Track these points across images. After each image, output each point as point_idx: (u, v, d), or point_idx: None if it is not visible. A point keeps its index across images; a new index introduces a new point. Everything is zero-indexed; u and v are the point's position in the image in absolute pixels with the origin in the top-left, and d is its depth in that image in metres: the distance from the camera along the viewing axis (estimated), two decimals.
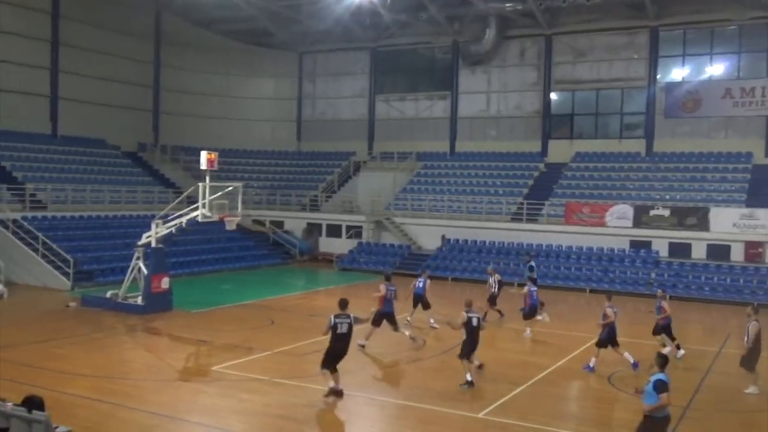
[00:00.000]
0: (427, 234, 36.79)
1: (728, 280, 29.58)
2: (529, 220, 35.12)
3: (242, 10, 40.58)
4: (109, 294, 23.28)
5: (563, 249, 33.57)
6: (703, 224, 31.42)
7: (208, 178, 21.93)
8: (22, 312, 22.81)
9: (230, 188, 22.97)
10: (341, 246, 38.49)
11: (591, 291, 30.55)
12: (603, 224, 33.28)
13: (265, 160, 46.27)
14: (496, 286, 22.82)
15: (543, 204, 35.52)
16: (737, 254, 30.91)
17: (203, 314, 22.61)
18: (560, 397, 15.23)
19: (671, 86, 37.50)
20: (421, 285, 21.80)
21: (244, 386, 14.70)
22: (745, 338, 15.13)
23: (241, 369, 15.99)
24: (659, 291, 19.38)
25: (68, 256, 27.38)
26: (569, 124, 40.83)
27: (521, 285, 24.65)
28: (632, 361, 16.56)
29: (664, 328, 18.40)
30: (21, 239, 28.06)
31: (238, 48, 46.24)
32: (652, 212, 32.62)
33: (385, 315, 18.36)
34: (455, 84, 42.75)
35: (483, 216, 36.31)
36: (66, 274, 27.09)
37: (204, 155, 21.69)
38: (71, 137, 38.83)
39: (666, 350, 16.56)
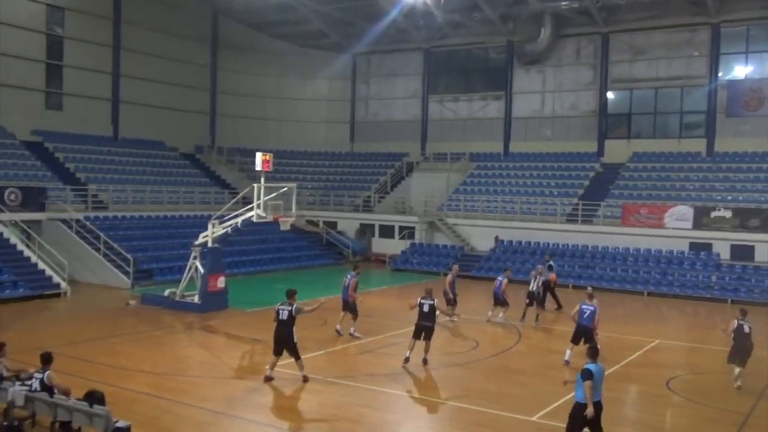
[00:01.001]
0: (480, 235, 36.53)
1: None
2: (584, 222, 34.54)
3: (297, 12, 41.05)
4: (167, 292, 23.81)
5: (620, 251, 32.92)
6: (766, 226, 30.41)
7: (262, 179, 22.22)
8: (84, 309, 23.52)
9: (284, 189, 23.20)
10: (394, 247, 38.54)
11: (649, 294, 29.88)
12: (662, 226, 32.51)
13: (319, 161, 46.65)
14: (536, 286, 22.86)
15: (599, 205, 34.90)
16: None
17: (258, 313, 22.88)
18: (617, 401, 14.89)
19: (733, 84, 36.39)
20: (498, 284, 22.31)
21: (298, 385, 14.82)
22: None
23: (294, 368, 16.05)
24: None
25: (128, 255, 28.08)
26: (626, 124, 40.03)
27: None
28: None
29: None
30: (84, 238, 28.89)
31: (293, 50, 46.74)
32: (714, 214, 31.71)
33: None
34: (509, 84, 42.35)
35: (537, 217, 35.87)
36: (126, 273, 27.80)
37: (259, 156, 21.98)
38: (131, 139, 39.92)
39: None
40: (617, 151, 38.89)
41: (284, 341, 14.77)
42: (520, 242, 35.21)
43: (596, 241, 33.56)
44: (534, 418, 13.03)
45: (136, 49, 39.91)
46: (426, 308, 16.53)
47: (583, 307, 17.06)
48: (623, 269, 31.76)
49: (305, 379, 14.84)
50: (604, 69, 39.46)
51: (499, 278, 22.68)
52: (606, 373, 16.36)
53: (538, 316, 22.69)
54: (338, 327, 19.77)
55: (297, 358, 14.87)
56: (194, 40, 43.26)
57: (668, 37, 37.72)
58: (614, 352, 18.59)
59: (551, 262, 26.40)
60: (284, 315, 14.81)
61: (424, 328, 16.53)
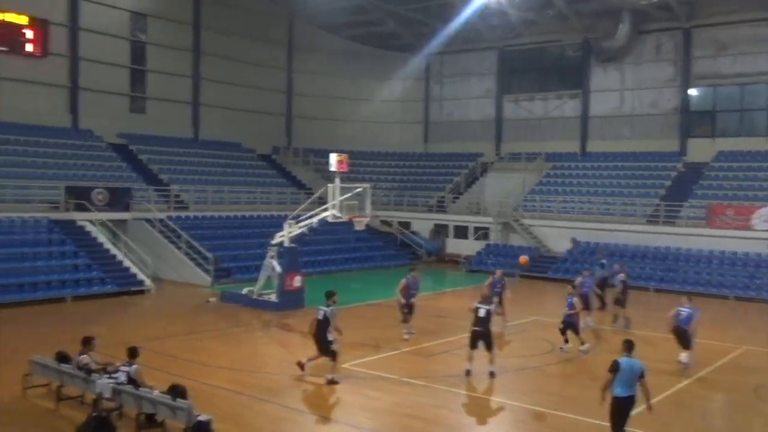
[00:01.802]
0: (556, 236, 35.89)
1: None
2: (666, 223, 33.48)
3: (371, 14, 41.33)
4: (245, 291, 24.36)
5: (704, 253, 31.75)
6: None
7: (337, 180, 22.44)
8: (167, 306, 24.30)
9: (359, 189, 23.38)
10: (468, 247, 38.29)
11: (736, 298, 28.71)
12: (749, 227, 31.17)
13: (393, 162, 46.80)
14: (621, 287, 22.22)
15: (681, 206, 33.78)
16: None
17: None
18: (703, 409, 14.41)
19: None
20: (587, 285, 21.74)
21: (373, 384, 14.91)
22: None
23: (369, 367, 16.23)
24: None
25: (208, 254, 28.84)
26: (710, 122, 38.61)
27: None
28: None
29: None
30: (166, 237, 29.85)
31: (367, 52, 47.07)
32: None
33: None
34: (586, 82, 41.50)
35: (616, 218, 34.99)
36: (206, 271, 28.55)
37: (334, 157, 22.23)
38: (211, 141, 41.03)
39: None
40: (701, 150, 37.54)
41: (318, 340, 14.94)
42: (598, 243, 34.38)
43: (679, 243, 32.48)
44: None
45: (214, 53, 41.03)
46: (482, 313, 15.53)
47: (680, 309, 16.86)
48: (708, 272, 30.63)
49: (329, 382, 14.72)
50: (686, 65, 38.19)
51: (587, 280, 21.91)
52: (691, 379, 15.95)
53: (616, 317, 22.18)
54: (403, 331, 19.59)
55: (330, 358, 14.84)
56: (270, 43, 44.11)
57: (754, 32, 36.15)
58: (699, 358, 17.94)
59: (603, 261, 26.26)
60: (320, 315, 15.02)
61: (480, 334, 15.51)
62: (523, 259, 24.20)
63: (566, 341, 18.34)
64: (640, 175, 37.94)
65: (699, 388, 15.50)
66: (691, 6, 37.12)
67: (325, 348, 14.92)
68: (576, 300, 18.37)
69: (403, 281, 19.60)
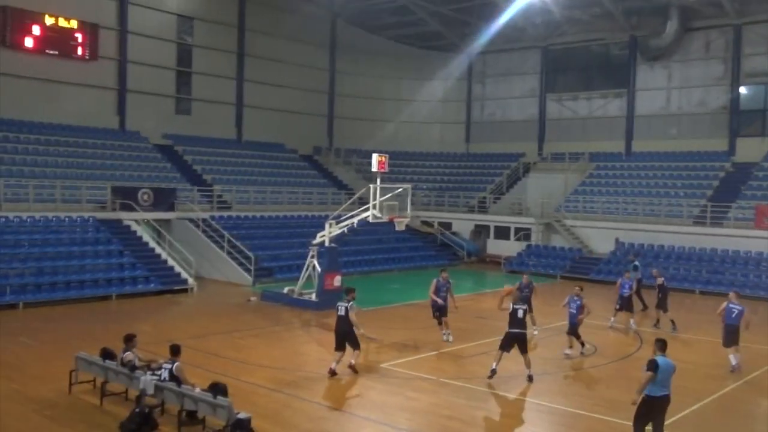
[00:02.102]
0: (600, 237, 35.41)
1: None
2: (713, 224, 32.73)
3: (413, 14, 41.30)
4: (285, 290, 24.56)
5: (752, 255, 30.95)
6: None
7: (378, 180, 22.47)
8: (209, 304, 24.63)
9: (400, 190, 23.37)
10: (509, 248, 38.00)
11: None
12: None
13: (434, 162, 46.70)
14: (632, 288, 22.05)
15: (729, 206, 32.99)
16: None
17: (373, 312, 23.14)
18: (749, 414, 14.06)
19: None
20: (626, 286, 21.62)
21: (412, 385, 14.90)
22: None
23: (408, 368, 16.22)
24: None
25: (250, 254, 29.16)
26: (761, 120, 37.62)
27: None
28: None
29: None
30: (209, 237, 30.28)
31: (409, 52, 47.08)
32: None
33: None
34: (632, 81, 40.84)
35: (661, 219, 34.35)
36: (248, 270, 28.87)
37: (375, 158, 22.26)
38: (253, 142, 41.50)
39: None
40: (750, 149, 36.61)
41: (344, 335, 15.42)
42: (643, 245, 33.80)
43: (726, 244, 31.74)
44: None
45: (258, 55, 41.50)
46: (520, 314, 15.26)
47: (731, 306, 16.78)
48: (756, 275, 29.87)
49: (350, 366, 15.42)
50: (736, 63, 37.30)
51: (627, 281, 21.74)
52: (737, 383, 15.58)
53: (658, 320, 21.93)
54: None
55: (355, 348, 15.53)
56: (313, 44, 44.42)
57: None
58: (746, 362, 17.51)
59: (636, 262, 25.89)
60: (342, 311, 15.53)
61: (516, 336, 15.16)
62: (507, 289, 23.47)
63: (582, 344, 18.03)
64: (687, 175, 37.19)
65: (745, 393, 15.14)
66: (741, 2, 36.23)
67: (354, 340, 15.42)
68: (585, 302, 18.03)
69: (434, 282, 19.50)
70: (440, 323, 19.24)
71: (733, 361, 16.58)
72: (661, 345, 10.70)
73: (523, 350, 15.24)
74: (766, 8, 35.65)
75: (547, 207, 38.17)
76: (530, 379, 15.17)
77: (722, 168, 36.93)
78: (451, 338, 19.16)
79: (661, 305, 21.78)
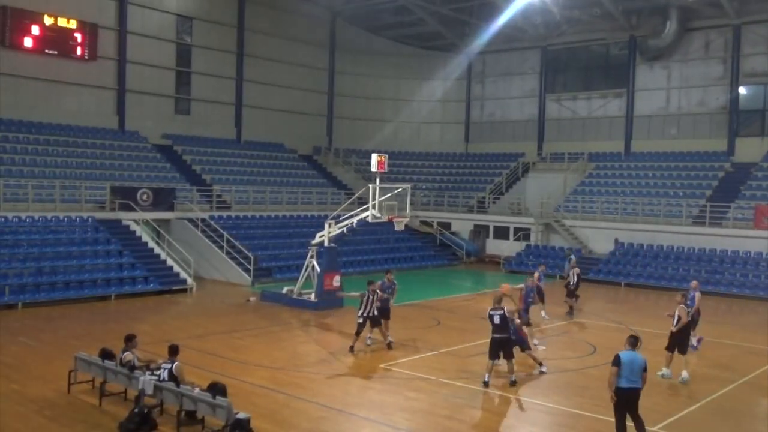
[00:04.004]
0: (599, 237, 35.42)
1: None
2: (712, 224, 32.73)
3: (412, 14, 41.31)
4: (285, 290, 24.56)
5: (752, 255, 30.96)
6: None
7: (378, 180, 22.47)
8: (208, 304, 24.63)
9: (399, 190, 23.39)
10: (508, 248, 38.01)
11: None
12: None
13: (434, 162, 46.71)
14: (575, 280, 23.50)
15: (729, 207, 32.99)
16: None
17: None
18: (748, 414, 14.06)
19: None
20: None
21: (411, 385, 14.90)
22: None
23: (407, 368, 16.22)
24: None
25: (249, 254, 29.14)
26: (760, 120, 37.61)
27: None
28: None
29: None
30: (208, 237, 30.26)
31: (408, 52, 47.09)
32: None
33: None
34: (631, 81, 40.83)
35: (661, 219, 34.36)
36: (247, 270, 28.86)
37: (374, 158, 22.25)
38: (253, 142, 41.50)
39: None
40: (749, 149, 36.62)
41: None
42: (642, 245, 33.82)
43: (726, 244, 31.74)
44: (655, 428, 12.47)
45: (257, 55, 41.49)
46: (497, 319, 14.81)
47: (691, 294, 17.89)
48: (755, 275, 29.89)
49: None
50: (736, 63, 37.29)
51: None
52: (733, 384, 15.57)
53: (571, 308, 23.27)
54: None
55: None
56: (313, 44, 44.41)
57: None
58: (746, 362, 17.55)
59: (572, 256, 27.69)
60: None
61: (500, 342, 14.79)
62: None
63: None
64: (686, 175, 37.20)
65: (745, 393, 15.13)
66: (741, 2, 36.24)
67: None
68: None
69: (378, 284, 18.47)
70: (376, 326, 17.97)
71: (694, 342, 17.77)
72: (632, 341, 11.28)
73: (507, 355, 14.87)
74: (766, 8, 35.65)
75: (546, 207, 38.18)
76: (513, 383, 14.90)
77: (721, 168, 36.94)
78: (369, 342, 18.28)
79: (573, 294, 23.48)
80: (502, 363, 15.08)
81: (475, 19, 42.06)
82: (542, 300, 21.96)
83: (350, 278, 28.18)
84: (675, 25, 37.96)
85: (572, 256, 27.60)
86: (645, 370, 11.01)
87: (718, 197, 34.22)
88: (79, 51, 34.02)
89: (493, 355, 14.84)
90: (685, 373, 15.48)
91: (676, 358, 15.64)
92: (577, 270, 24.05)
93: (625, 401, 10.92)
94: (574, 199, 38.13)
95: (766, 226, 30.97)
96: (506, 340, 14.86)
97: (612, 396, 10.93)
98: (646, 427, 11.18)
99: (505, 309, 15.01)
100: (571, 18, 40.25)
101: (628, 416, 11.07)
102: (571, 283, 23.62)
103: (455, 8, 40.90)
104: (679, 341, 15.57)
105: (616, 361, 10.87)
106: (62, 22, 33.20)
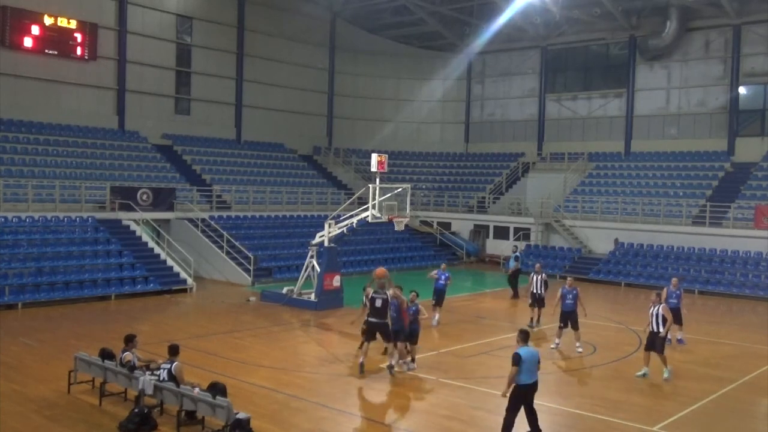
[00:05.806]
0: (599, 237, 35.42)
1: None
2: (712, 224, 32.73)
3: (412, 14, 41.32)
4: (285, 290, 24.55)
5: (752, 255, 30.96)
6: None
7: (378, 180, 22.47)
8: (208, 304, 24.62)
9: (399, 190, 23.39)
10: (508, 248, 37.92)
11: None
12: None
13: (434, 162, 46.72)
14: (541, 286, 21.21)
15: (729, 207, 32.99)
16: None
17: None
18: (747, 414, 14.05)
19: None
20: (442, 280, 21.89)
21: (411, 385, 14.89)
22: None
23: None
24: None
25: (249, 254, 29.13)
26: (760, 120, 37.60)
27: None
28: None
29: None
30: (208, 237, 30.25)
31: (408, 52, 47.09)
32: None
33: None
34: (631, 81, 40.82)
35: (661, 219, 34.35)
36: (247, 270, 28.85)
37: (374, 158, 22.24)
38: (253, 142, 41.50)
39: None
40: (749, 149, 36.62)
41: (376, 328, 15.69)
42: (642, 245, 33.82)
43: (726, 244, 31.73)
44: (655, 428, 12.48)
45: (258, 55, 41.50)
46: (378, 303, 15.24)
47: (670, 291, 18.75)
48: (755, 275, 29.88)
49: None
50: (736, 63, 37.28)
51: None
52: (734, 384, 15.57)
53: (537, 318, 21.47)
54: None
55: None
56: (313, 44, 44.41)
57: None
58: (746, 362, 17.54)
59: (517, 253, 28.11)
60: (379, 303, 15.45)
61: (376, 326, 15.23)
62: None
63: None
64: (686, 175, 37.21)
65: (745, 393, 15.13)
66: (741, 2, 36.24)
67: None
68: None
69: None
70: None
71: (678, 335, 18.79)
72: (523, 336, 11.35)
73: (386, 339, 15.49)
74: (766, 8, 35.64)
75: (546, 207, 38.18)
76: (390, 369, 15.20)
77: (721, 168, 36.94)
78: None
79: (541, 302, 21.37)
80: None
81: (475, 19, 42.06)
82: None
83: (350, 278, 28.20)
84: (675, 25, 37.95)
85: (518, 253, 28.27)
86: (539, 362, 11.32)
87: (718, 197, 34.22)
88: (79, 51, 34.02)
89: (369, 337, 15.45)
90: (666, 372, 15.56)
91: (653, 357, 15.67)
92: (543, 275, 21.50)
93: (525, 396, 11.16)
94: (574, 199, 38.13)
95: (766, 226, 30.97)
96: (383, 325, 15.27)
97: (505, 393, 11.08)
98: (646, 427, 11.19)
99: (389, 294, 15.39)
100: (571, 18, 40.24)
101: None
102: (536, 290, 21.24)
103: (455, 8, 40.90)
104: (659, 341, 15.58)
105: (517, 360, 10.96)
106: (62, 22, 33.20)
